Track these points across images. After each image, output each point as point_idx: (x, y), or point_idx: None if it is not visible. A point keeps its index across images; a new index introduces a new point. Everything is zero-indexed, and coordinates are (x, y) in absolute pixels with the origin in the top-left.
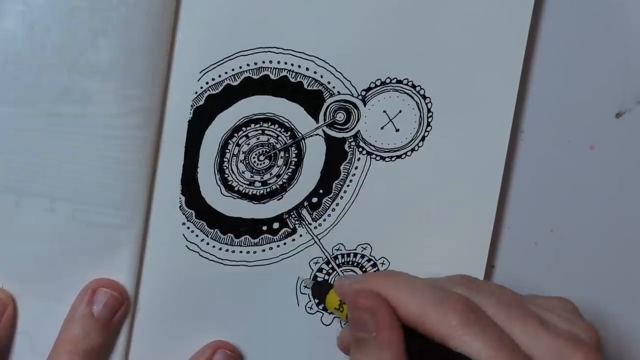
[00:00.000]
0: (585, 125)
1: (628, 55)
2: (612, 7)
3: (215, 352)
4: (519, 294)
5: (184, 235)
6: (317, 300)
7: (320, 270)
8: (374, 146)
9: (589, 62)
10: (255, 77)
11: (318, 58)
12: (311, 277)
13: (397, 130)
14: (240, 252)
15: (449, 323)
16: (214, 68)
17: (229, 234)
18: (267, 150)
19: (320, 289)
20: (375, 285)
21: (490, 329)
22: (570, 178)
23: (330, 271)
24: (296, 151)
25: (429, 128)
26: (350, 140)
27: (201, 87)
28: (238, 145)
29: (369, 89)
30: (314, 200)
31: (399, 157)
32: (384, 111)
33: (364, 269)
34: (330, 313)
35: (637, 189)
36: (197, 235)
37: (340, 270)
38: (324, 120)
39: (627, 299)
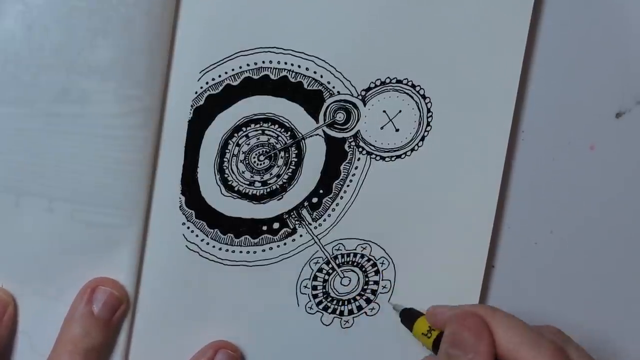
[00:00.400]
0: (585, 126)
1: (628, 55)
2: (611, 7)
3: (217, 352)
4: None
5: (184, 235)
6: (406, 327)
7: (320, 270)
8: (374, 146)
9: (589, 62)
10: (255, 77)
11: (318, 58)
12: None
13: (397, 130)
14: (240, 252)
15: None
16: (214, 68)
17: (229, 234)
18: (267, 150)
19: (408, 315)
20: (479, 312)
21: None
22: (570, 178)
23: (330, 271)
24: (296, 151)
25: (428, 128)
26: (350, 140)
27: (201, 87)
28: (238, 145)
29: (369, 88)
30: (314, 200)
31: (398, 157)
32: (384, 111)
33: (364, 269)
34: (419, 340)
35: (637, 189)
36: (197, 235)
37: (340, 270)
38: (324, 120)
39: (627, 299)
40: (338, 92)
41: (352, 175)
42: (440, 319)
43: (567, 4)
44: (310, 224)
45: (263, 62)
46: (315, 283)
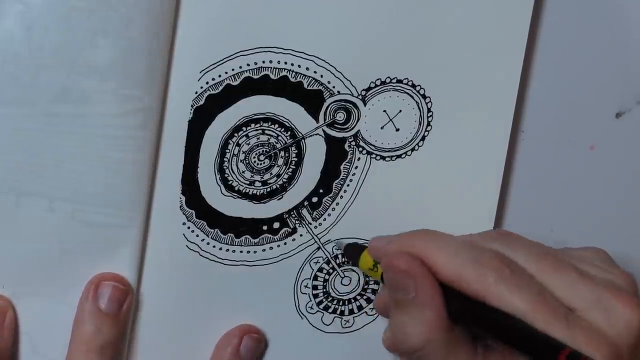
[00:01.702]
0: (585, 125)
1: (628, 55)
2: (612, 7)
3: (242, 338)
4: (553, 248)
5: (184, 235)
6: (350, 261)
7: (320, 269)
8: (374, 146)
9: (589, 62)
10: (255, 77)
11: (318, 58)
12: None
13: (397, 129)
14: (241, 251)
15: (486, 280)
16: (214, 68)
17: (229, 234)
18: (267, 150)
19: (352, 250)
20: (410, 246)
21: (528, 283)
22: (570, 178)
23: (331, 271)
24: (296, 151)
25: (429, 128)
26: (350, 140)
27: (201, 87)
28: (238, 145)
29: (369, 88)
30: (314, 199)
31: (399, 156)
32: (384, 111)
33: None
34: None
35: (637, 189)
36: (197, 235)
37: (341, 270)
38: (324, 120)
39: None
40: (338, 91)
41: (352, 175)
42: (379, 254)
43: (568, 4)
44: (311, 224)
45: (263, 62)
46: (315, 283)
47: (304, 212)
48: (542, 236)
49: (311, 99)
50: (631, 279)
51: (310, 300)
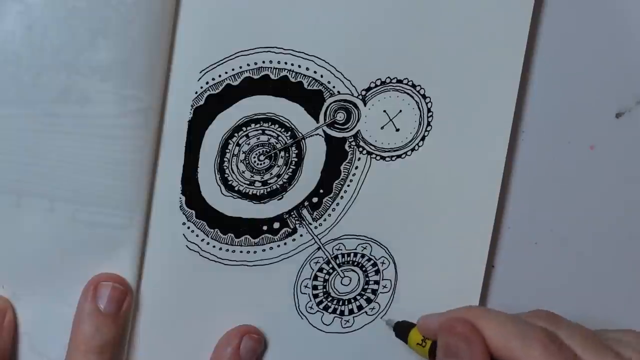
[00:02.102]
0: (585, 125)
1: (628, 55)
2: (612, 7)
3: (242, 339)
4: (592, 330)
5: (184, 235)
6: (402, 340)
7: (320, 270)
8: (374, 146)
9: (589, 62)
10: (255, 77)
11: (318, 58)
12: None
13: (397, 130)
14: (241, 252)
15: (533, 354)
16: (214, 68)
17: (229, 234)
18: (268, 150)
19: (401, 327)
20: (466, 316)
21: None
22: (570, 178)
23: (331, 271)
24: (296, 151)
25: (429, 128)
26: (350, 140)
27: (201, 87)
28: (238, 145)
29: (369, 88)
30: (315, 200)
31: (399, 156)
32: (384, 111)
33: (364, 269)
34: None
35: (637, 189)
36: (197, 235)
37: (341, 270)
38: (324, 120)
39: (627, 299)
40: (338, 91)
41: (353, 175)
42: (431, 328)
43: (567, 4)
44: (311, 224)
45: (263, 62)
46: (315, 283)
47: (304, 212)
48: (542, 236)
49: (311, 99)
50: None
51: (310, 300)
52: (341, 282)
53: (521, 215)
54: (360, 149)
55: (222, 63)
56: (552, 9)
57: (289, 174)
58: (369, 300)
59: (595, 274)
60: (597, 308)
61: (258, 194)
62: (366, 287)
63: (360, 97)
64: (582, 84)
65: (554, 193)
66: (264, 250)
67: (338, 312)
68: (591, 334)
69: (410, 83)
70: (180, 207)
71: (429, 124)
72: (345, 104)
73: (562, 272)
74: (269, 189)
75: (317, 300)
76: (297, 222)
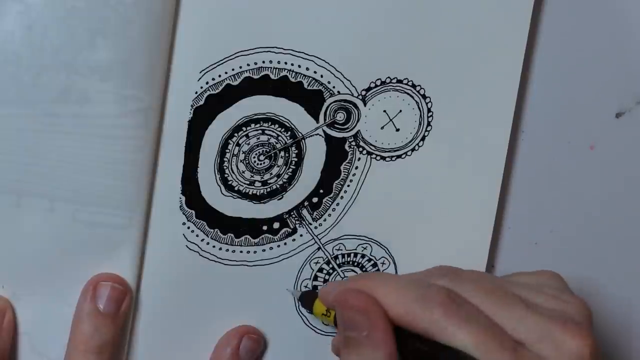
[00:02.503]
0: (585, 125)
1: (628, 55)
2: (612, 7)
3: (241, 339)
4: (503, 278)
5: (184, 235)
6: (307, 310)
7: (320, 270)
8: (374, 146)
9: (589, 62)
10: (255, 77)
11: (318, 58)
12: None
13: (397, 130)
14: (241, 252)
15: (432, 316)
16: (214, 68)
17: (229, 234)
18: (267, 150)
19: (307, 297)
20: (362, 286)
21: (475, 317)
22: (570, 178)
23: (331, 271)
24: (296, 151)
25: (429, 128)
26: (350, 140)
27: (201, 87)
28: (238, 145)
29: (369, 88)
30: (315, 200)
31: (399, 156)
32: (384, 111)
33: (364, 269)
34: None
35: (637, 189)
36: (197, 235)
37: (341, 270)
38: (324, 120)
39: (627, 299)
40: (338, 91)
41: (353, 175)
42: (330, 299)
43: (567, 4)
44: (311, 224)
45: (263, 62)
46: (315, 283)
47: (304, 212)
48: (542, 236)
49: (311, 99)
50: (583, 306)
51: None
52: None
53: (521, 215)
54: (360, 149)
55: (222, 63)
56: (552, 9)
57: (289, 174)
58: None
59: (595, 274)
60: (597, 308)
61: (258, 194)
62: None
63: (360, 97)
64: (582, 83)
65: (554, 193)
66: (264, 250)
67: None
68: (497, 284)
69: (410, 83)
70: (180, 207)
71: (429, 124)
72: (345, 104)
73: (562, 272)
74: (268, 189)
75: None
76: (297, 222)
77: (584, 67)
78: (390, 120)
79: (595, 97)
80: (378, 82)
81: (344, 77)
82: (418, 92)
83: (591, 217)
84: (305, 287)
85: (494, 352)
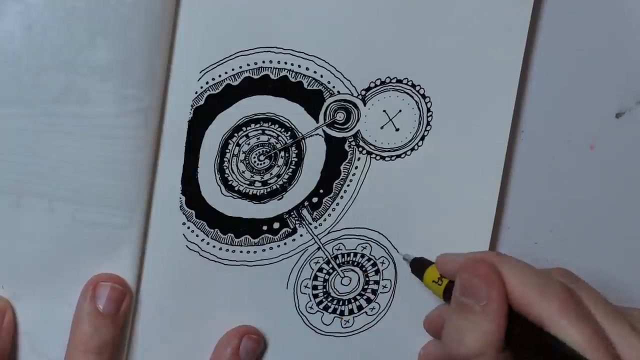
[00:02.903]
0: (585, 125)
1: (628, 55)
2: (612, 7)
3: (241, 339)
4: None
5: (184, 235)
6: (417, 276)
7: (320, 270)
8: (374, 146)
9: (589, 61)
10: (255, 77)
11: (318, 58)
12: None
13: (397, 129)
14: (241, 251)
15: (549, 307)
16: (214, 68)
17: (229, 234)
18: (268, 150)
19: (418, 264)
20: (490, 260)
21: (587, 319)
22: (570, 178)
23: (331, 271)
24: (296, 151)
25: (428, 127)
26: (350, 140)
27: (201, 87)
28: (238, 145)
29: (369, 88)
30: (315, 200)
31: (398, 156)
32: (384, 111)
33: (364, 269)
34: (429, 288)
35: (637, 189)
36: (197, 235)
37: (341, 270)
38: (324, 120)
39: (627, 299)
40: (338, 91)
41: (352, 175)
42: (450, 267)
43: (567, 3)
44: (311, 224)
45: (263, 61)
46: (315, 283)
47: (304, 212)
48: (542, 236)
49: (311, 99)
50: None
51: (310, 300)
52: (341, 282)
53: (521, 215)
54: (360, 149)
55: (222, 63)
56: (551, 9)
57: (289, 174)
58: (369, 300)
59: (595, 274)
60: None
61: (258, 194)
62: (366, 287)
63: (360, 97)
64: (582, 83)
65: (553, 193)
66: (264, 250)
67: (338, 312)
68: (609, 302)
69: (410, 83)
70: (180, 207)
71: (428, 123)
72: (345, 103)
73: None
74: (268, 189)
75: (317, 300)
76: (297, 222)
77: (583, 67)
78: (390, 120)
79: (595, 97)
80: (378, 82)
81: (344, 77)
82: (418, 91)
83: (591, 217)
84: (306, 286)
85: (600, 355)
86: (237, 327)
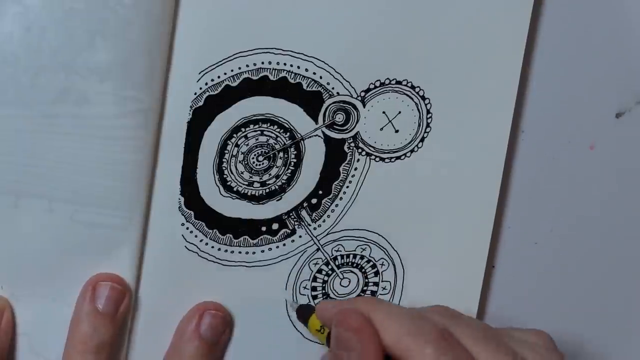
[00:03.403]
0: (585, 125)
1: (627, 54)
2: (611, 6)
3: (202, 316)
4: (496, 328)
5: (183, 235)
6: (302, 323)
7: (319, 271)
8: (373, 147)
9: (588, 61)
10: (254, 78)
11: (317, 59)
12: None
13: (397, 131)
14: (240, 252)
15: (423, 352)
16: (213, 69)
17: (228, 235)
18: (266, 151)
19: (303, 311)
20: (361, 308)
21: (463, 359)
22: (570, 178)
23: (330, 272)
24: (295, 152)
25: (428, 129)
26: (349, 141)
27: (200, 88)
28: (237, 146)
29: (368, 90)
30: (314, 201)
31: (398, 158)
32: (384, 112)
33: (363, 270)
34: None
35: (637, 189)
36: (196, 236)
37: (340, 272)
38: (323, 121)
39: (627, 299)
40: (337, 93)
41: (352, 177)
42: (327, 316)
43: (567, 3)
44: (310, 225)
45: (262, 63)
46: (314, 284)
47: (303, 213)
48: (542, 236)
49: (310, 100)
50: None
51: (310, 302)
52: (340, 284)
53: (521, 215)
54: (360, 150)
55: (221, 64)
56: (551, 9)
57: (288, 174)
58: None
59: (596, 274)
60: (597, 308)
61: (257, 194)
62: (365, 288)
63: (359, 98)
64: (582, 83)
65: (553, 193)
66: (262, 251)
67: None
68: (489, 331)
69: (409, 84)
70: (179, 207)
71: (428, 125)
72: (344, 105)
73: (562, 272)
74: (267, 190)
75: (316, 301)
76: (296, 223)
77: (583, 67)
78: (390, 121)
79: (595, 97)
80: (377, 84)
81: (343, 79)
82: (417, 93)
83: (591, 217)
84: (305, 287)
85: None
86: (197, 303)
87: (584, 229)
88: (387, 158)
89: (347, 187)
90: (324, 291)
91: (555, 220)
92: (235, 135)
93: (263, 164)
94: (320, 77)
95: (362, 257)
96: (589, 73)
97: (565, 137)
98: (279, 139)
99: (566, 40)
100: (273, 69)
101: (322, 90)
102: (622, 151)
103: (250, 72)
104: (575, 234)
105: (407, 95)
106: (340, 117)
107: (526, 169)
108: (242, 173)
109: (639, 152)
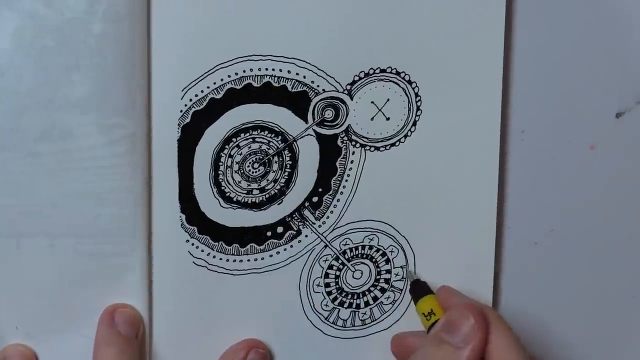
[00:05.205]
0: (585, 125)
1: (628, 54)
2: (612, 7)
3: (249, 352)
4: None
5: (189, 252)
6: (412, 299)
7: (330, 267)
8: (366, 138)
9: (589, 61)
10: (238, 87)
11: (298, 59)
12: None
13: (388, 118)
14: (248, 260)
15: None
16: (195, 84)
17: (234, 245)
18: (261, 158)
19: (417, 289)
20: (487, 314)
21: None
22: (570, 178)
23: (341, 267)
24: (290, 154)
25: (419, 112)
26: (342, 136)
27: (185, 105)
28: (230, 156)
29: (354, 82)
30: (315, 199)
31: (393, 145)
32: (372, 102)
33: (374, 260)
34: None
35: (637, 189)
36: (202, 250)
37: (351, 265)
38: (313, 119)
39: (627, 299)
40: (323, 90)
41: (349, 170)
42: (449, 300)
43: (567, 2)
44: (314, 223)
45: (244, 71)
46: (327, 280)
47: (306, 212)
48: (542, 236)
49: (297, 101)
50: None
51: (325, 298)
52: (353, 276)
53: (521, 215)
54: (353, 143)
55: (203, 78)
56: (551, 8)
57: (285, 177)
58: (383, 290)
59: (596, 274)
60: (597, 308)
61: (257, 201)
62: (378, 277)
63: (346, 91)
64: (582, 83)
65: (553, 193)
66: (271, 255)
67: (354, 305)
68: None
69: (394, 71)
70: (181, 225)
71: (418, 108)
72: (331, 100)
73: (563, 271)
74: (267, 195)
75: (332, 297)
76: (300, 223)
77: (583, 67)
78: (379, 110)
79: (595, 97)
80: (362, 75)
81: (327, 75)
82: (403, 78)
83: (591, 217)
84: (319, 285)
85: None
86: (244, 340)
87: (584, 229)
88: (382, 146)
89: (346, 180)
90: (337, 286)
91: (556, 220)
92: (227, 146)
93: (259, 170)
94: (304, 77)
95: (370, 247)
96: (589, 73)
97: (565, 137)
98: (271, 143)
99: (566, 40)
100: (255, 75)
101: (307, 90)
102: (622, 151)
103: (233, 82)
104: (575, 234)
105: (394, 82)
106: (329, 114)
107: (526, 168)
108: (239, 182)
109: (639, 152)
